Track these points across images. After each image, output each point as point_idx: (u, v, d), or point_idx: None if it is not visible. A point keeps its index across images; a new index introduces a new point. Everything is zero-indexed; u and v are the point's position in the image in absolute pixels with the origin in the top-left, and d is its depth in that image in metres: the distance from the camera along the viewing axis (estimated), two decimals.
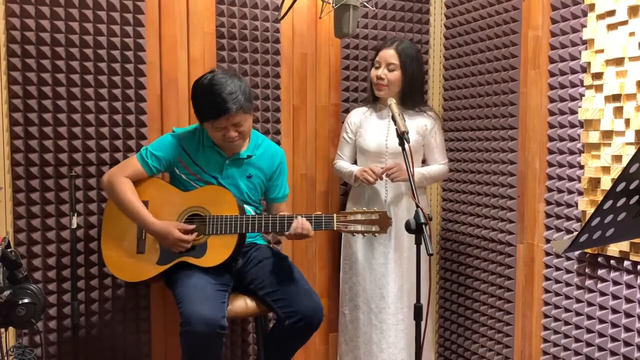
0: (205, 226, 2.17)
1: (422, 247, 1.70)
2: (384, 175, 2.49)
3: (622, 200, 1.28)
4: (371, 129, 2.61)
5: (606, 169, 2.13)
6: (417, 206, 1.72)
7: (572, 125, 2.29)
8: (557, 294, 2.38)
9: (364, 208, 2.17)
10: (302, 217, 2.13)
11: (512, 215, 2.59)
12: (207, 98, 2.10)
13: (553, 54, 2.36)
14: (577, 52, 2.25)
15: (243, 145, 2.28)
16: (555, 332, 2.39)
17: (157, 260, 2.20)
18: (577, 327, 2.29)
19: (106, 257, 2.25)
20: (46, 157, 2.33)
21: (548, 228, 2.42)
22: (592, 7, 2.17)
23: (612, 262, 2.13)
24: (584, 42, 2.21)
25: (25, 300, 1.77)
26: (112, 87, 2.42)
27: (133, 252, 2.22)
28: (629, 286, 2.07)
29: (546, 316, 2.44)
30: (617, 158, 2.09)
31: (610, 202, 1.27)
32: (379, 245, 2.57)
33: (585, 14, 2.21)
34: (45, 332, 2.38)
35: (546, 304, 2.44)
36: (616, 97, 2.09)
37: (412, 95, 2.58)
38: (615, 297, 2.12)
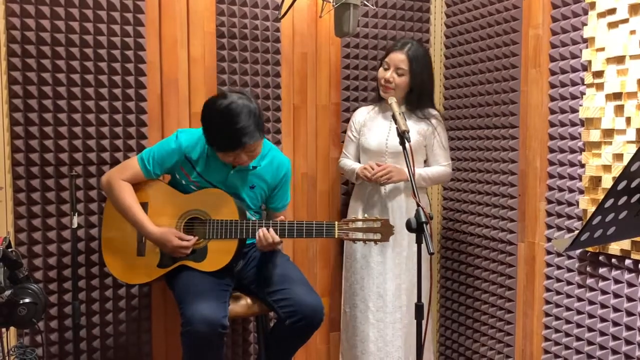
0: (205, 230, 2.16)
1: (423, 246, 1.71)
2: (375, 177, 2.48)
3: (623, 199, 1.28)
4: (374, 127, 2.61)
5: (607, 168, 2.12)
6: (418, 205, 1.71)
7: (573, 124, 2.28)
8: (558, 293, 2.37)
9: (365, 215, 2.16)
10: (267, 225, 2.11)
11: (513, 214, 2.59)
12: (221, 129, 2.04)
13: (554, 52, 2.35)
14: (577, 50, 2.24)
15: None
16: (557, 331, 2.39)
17: (157, 264, 2.20)
18: (578, 325, 2.28)
19: (106, 259, 2.25)
20: (47, 156, 2.33)
21: (549, 227, 2.42)
22: (592, 5, 2.16)
23: (613, 260, 2.13)
24: (585, 41, 2.21)
25: (27, 300, 1.77)
26: (113, 87, 2.42)
27: (133, 255, 2.22)
28: (630, 285, 2.07)
29: (547, 315, 2.44)
30: (618, 156, 2.08)
31: (611, 201, 1.27)
32: (378, 243, 2.56)
33: (586, 12, 2.21)
34: (47, 332, 2.38)
35: (547, 302, 2.43)
36: (617, 96, 2.08)
37: (420, 100, 2.56)
38: (616, 295, 2.12)
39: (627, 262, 2.07)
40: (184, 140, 2.19)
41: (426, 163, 2.66)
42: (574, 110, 2.27)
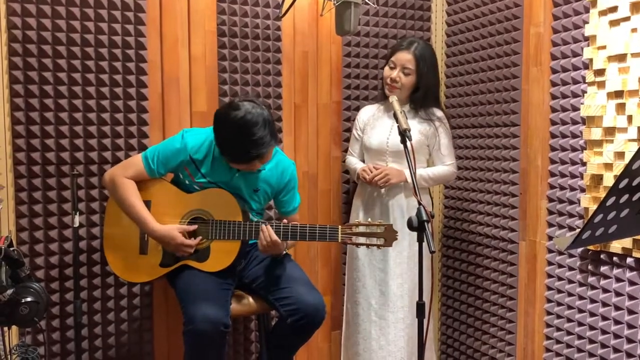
0: (208, 230, 2.16)
1: (424, 244, 1.70)
2: (372, 180, 2.48)
3: (625, 197, 1.28)
4: (377, 126, 2.61)
5: (608, 166, 2.12)
6: (419, 203, 1.71)
7: (575, 122, 2.28)
8: (559, 291, 2.37)
9: (369, 219, 2.16)
10: (268, 224, 2.10)
11: (515, 213, 2.59)
12: (236, 142, 2.01)
13: (555, 50, 2.35)
14: (579, 48, 2.24)
15: None
16: (558, 329, 2.39)
17: (159, 262, 2.20)
18: (580, 324, 2.28)
19: (108, 258, 2.25)
20: (48, 155, 2.33)
21: (550, 225, 2.42)
22: (594, 3, 2.16)
23: (614, 259, 2.13)
24: (586, 39, 2.21)
25: (28, 299, 1.77)
26: (114, 86, 2.42)
27: (135, 253, 2.22)
28: (631, 283, 2.07)
29: (549, 313, 2.44)
30: (620, 155, 2.08)
31: (612, 199, 1.26)
32: None
33: (587, 10, 2.21)
34: (48, 331, 2.38)
35: (549, 301, 2.43)
36: (618, 94, 2.08)
37: (425, 100, 2.55)
38: (618, 294, 2.12)
39: (629, 260, 2.07)
40: (190, 141, 2.17)
41: (429, 163, 2.66)
42: (576, 109, 2.27)
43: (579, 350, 2.29)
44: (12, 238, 1.88)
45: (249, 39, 2.65)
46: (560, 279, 2.37)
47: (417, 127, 2.52)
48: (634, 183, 1.25)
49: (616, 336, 2.13)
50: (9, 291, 1.74)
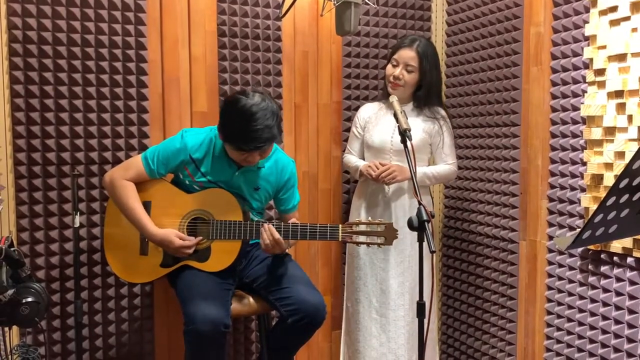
0: (208, 230, 2.16)
1: (425, 244, 1.70)
2: (379, 177, 2.48)
3: (625, 197, 1.28)
4: (379, 125, 2.60)
5: (609, 166, 2.12)
6: (420, 203, 1.71)
7: (575, 122, 2.28)
8: (560, 291, 2.37)
9: (369, 218, 2.16)
10: (269, 224, 2.10)
11: (515, 212, 2.59)
12: (242, 129, 2.00)
13: (555, 50, 2.35)
14: (579, 48, 2.24)
15: None
16: (558, 329, 2.39)
17: (160, 263, 2.20)
18: (580, 323, 2.28)
19: (109, 258, 2.25)
20: (48, 156, 2.34)
21: (551, 225, 2.42)
22: (594, 3, 2.16)
23: (615, 258, 2.13)
24: (586, 39, 2.21)
25: (29, 299, 1.78)
26: (114, 86, 2.42)
27: (136, 254, 2.22)
28: (632, 283, 2.07)
29: (549, 313, 2.44)
30: (620, 154, 2.08)
31: (613, 199, 1.26)
32: None
33: (587, 10, 2.21)
34: (49, 331, 2.38)
35: (549, 300, 2.43)
36: (619, 94, 2.08)
37: (428, 98, 2.55)
38: (618, 293, 2.12)
39: (629, 260, 2.07)
40: (190, 141, 2.18)
41: (430, 162, 2.66)
42: (576, 108, 2.27)
43: (580, 350, 2.29)
44: (12, 238, 1.88)
45: (249, 39, 2.65)
46: (560, 278, 2.37)
47: (421, 125, 2.53)
48: (634, 183, 1.25)
49: (616, 336, 2.13)
50: (10, 291, 1.75)
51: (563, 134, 2.34)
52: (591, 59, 2.17)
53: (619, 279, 2.12)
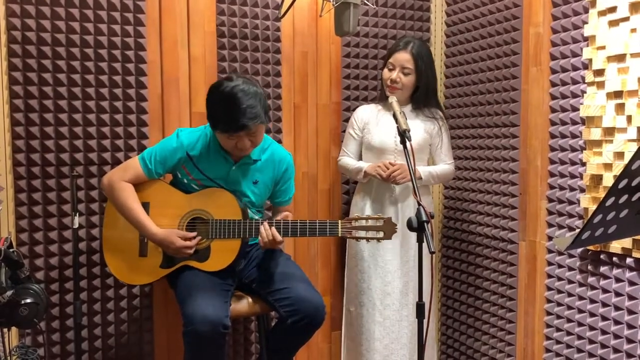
0: (208, 230, 2.16)
1: (424, 244, 1.71)
2: (391, 176, 2.48)
3: (624, 197, 1.28)
4: (381, 126, 2.61)
5: (608, 166, 2.12)
6: (419, 204, 1.72)
7: (574, 122, 2.28)
8: (559, 291, 2.37)
9: (369, 214, 2.16)
10: (269, 223, 2.11)
11: (514, 213, 2.59)
12: (226, 110, 2.02)
13: (554, 50, 2.35)
14: (578, 48, 2.24)
15: None
16: (558, 329, 2.39)
17: (160, 264, 2.20)
18: (580, 324, 2.28)
19: (108, 261, 2.24)
20: (48, 157, 2.33)
21: (550, 225, 2.42)
22: (593, 3, 2.16)
23: (614, 259, 2.13)
24: (586, 39, 2.21)
25: (28, 300, 1.77)
26: (113, 87, 2.42)
27: (135, 255, 2.22)
28: (631, 283, 2.07)
29: (548, 313, 2.44)
30: (619, 155, 2.08)
31: (612, 199, 1.26)
32: (386, 242, 2.56)
33: (586, 11, 2.21)
34: (48, 332, 2.38)
35: (548, 301, 2.43)
36: (618, 94, 2.08)
37: (426, 98, 2.58)
38: (617, 294, 2.12)
39: (628, 260, 2.07)
40: (185, 138, 2.19)
41: (428, 162, 2.67)
42: (575, 109, 2.27)
43: (579, 351, 2.29)
44: (11, 239, 1.88)
45: (248, 40, 2.65)
46: (560, 279, 2.37)
47: (421, 126, 2.55)
48: (634, 183, 1.25)
49: (616, 336, 2.13)
50: (9, 292, 1.74)
51: (562, 135, 2.34)
52: (590, 60, 2.17)
53: (618, 280, 2.12)
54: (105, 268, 2.41)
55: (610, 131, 2.11)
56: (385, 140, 2.57)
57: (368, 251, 2.59)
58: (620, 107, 2.08)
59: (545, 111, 2.41)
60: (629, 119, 2.04)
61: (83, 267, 2.42)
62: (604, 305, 2.17)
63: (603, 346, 2.18)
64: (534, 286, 2.50)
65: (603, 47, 2.12)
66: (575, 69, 2.27)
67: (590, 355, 2.23)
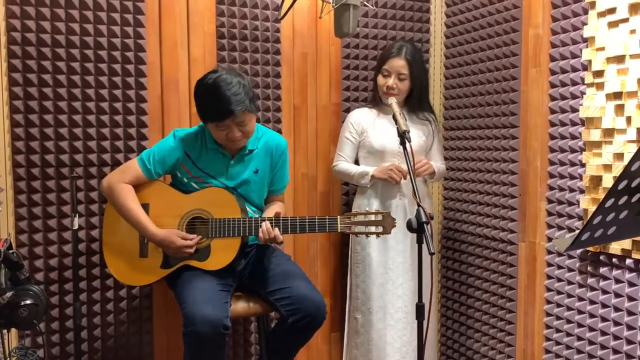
0: (207, 229, 2.17)
1: (424, 246, 1.71)
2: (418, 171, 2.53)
3: (624, 199, 1.28)
4: (380, 129, 2.61)
5: (608, 167, 2.12)
6: (419, 205, 1.72)
7: (574, 123, 2.28)
8: (559, 292, 2.37)
9: (366, 208, 2.17)
10: (266, 220, 2.12)
11: (514, 214, 2.59)
12: (211, 100, 2.07)
13: (554, 52, 2.35)
14: (578, 50, 2.24)
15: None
16: (558, 331, 2.39)
17: (160, 264, 2.20)
18: (580, 325, 2.28)
19: (108, 262, 2.24)
20: (47, 158, 2.33)
21: (550, 226, 2.42)
22: (592, 4, 2.16)
23: (614, 260, 2.13)
24: (585, 40, 2.21)
25: (28, 302, 1.77)
26: (113, 88, 2.42)
27: (136, 256, 2.22)
28: (631, 284, 2.07)
29: (548, 314, 2.44)
30: (619, 156, 2.08)
31: (612, 200, 1.26)
32: (396, 244, 2.56)
33: (586, 12, 2.21)
34: (48, 333, 2.38)
35: (548, 302, 2.43)
36: (617, 95, 2.08)
37: (420, 101, 2.63)
38: (617, 295, 2.12)
39: (628, 261, 2.07)
40: (182, 137, 2.22)
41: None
42: (575, 110, 2.27)
43: (579, 352, 2.29)
44: (11, 240, 1.88)
45: (248, 41, 2.65)
46: (559, 280, 2.37)
47: (418, 129, 2.60)
48: (633, 184, 1.25)
49: (616, 337, 2.13)
50: (8, 294, 1.74)
51: (562, 136, 2.34)
52: (590, 61, 2.18)
53: (618, 281, 2.12)
54: (106, 269, 2.41)
55: (609, 132, 2.12)
56: (386, 143, 2.58)
57: (377, 256, 2.58)
58: (619, 109, 2.08)
59: (545, 112, 2.41)
60: (629, 120, 2.04)
61: (83, 268, 2.41)
62: (604, 306, 2.17)
63: (603, 347, 2.18)
64: (533, 287, 2.50)
65: (602, 49, 2.12)
66: (574, 70, 2.27)
67: (590, 356, 2.23)
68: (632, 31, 2.02)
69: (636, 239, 2.02)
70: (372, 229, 2.11)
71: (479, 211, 2.81)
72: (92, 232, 2.43)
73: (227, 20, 2.60)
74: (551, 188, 2.40)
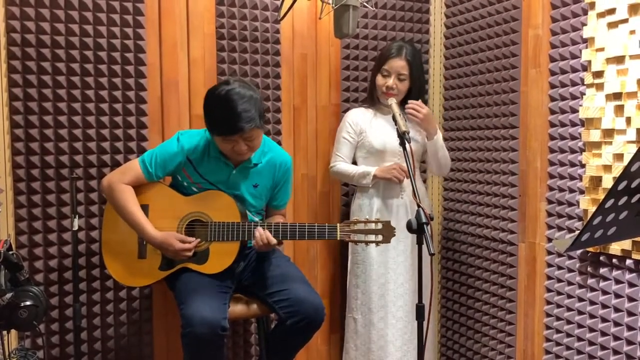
0: (206, 232, 2.16)
1: (424, 246, 1.71)
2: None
3: (624, 199, 1.28)
4: (379, 129, 2.61)
5: (607, 168, 2.12)
6: (419, 205, 1.72)
7: (573, 124, 2.28)
8: (559, 293, 2.37)
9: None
10: (263, 226, 2.12)
11: (514, 215, 2.59)
12: (221, 113, 2.03)
13: (553, 52, 2.35)
14: (577, 50, 2.24)
15: None
16: (558, 331, 2.39)
17: (159, 266, 2.20)
18: (580, 325, 2.28)
19: (107, 263, 2.24)
20: (47, 159, 2.33)
21: (549, 227, 2.42)
22: (592, 5, 2.16)
23: (614, 260, 2.13)
24: (585, 41, 2.21)
25: (27, 303, 1.77)
26: (113, 89, 2.42)
27: (134, 257, 2.21)
28: (631, 285, 2.07)
29: (548, 315, 2.43)
30: (619, 156, 2.08)
31: (611, 201, 1.26)
32: (397, 243, 2.56)
33: (585, 12, 2.21)
34: (48, 335, 2.38)
35: (548, 302, 2.43)
36: (617, 96, 2.08)
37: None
38: (617, 295, 2.12)
39: (628, 262, 2.07)
40: (186, 142, 2.19)
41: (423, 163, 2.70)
42: (574, 111, 2.27)
43: (579, 352, 2.29)
44: (11, 241, 1.88)
45: (247, 42, 2.65)
46: (559, 280, 2.37)
47: (416, 129, 2.59)
48: (633, 185, 1.25)
49: (616, 338, 2.13)
50: (8, 295, 1.74)
51: (562, 136, 2.34)
52: (589, 61, 2.18)
53: (618, 281, 2.12)
54: (105, 270, 2.41)
55: (609, 133, 2.12)
56: (386, 143, 2.58)
57: (378, 257, 2.58)
58: (619, 109, 2.08)
59: (545, 113, 2.41)
60: (628, 120, 2.04)
61: (82, 269, 2.41)
62: (604, 306, 2.17)
63: (603, 348, 2.18)
64: (533, 288, 2.50)
65: (602, 49, 2.12)
66: (574, 70, 2.27)
67: (591, 357, 2.23)
68: (632, 32, 2.02)
69: (636, 239, 2.02)
70: (372, 237, 2.11)
71: (479, 212, 2.81)
72: (92, 233, 2.43)
73: (227, 21, 2.61)
74: (551, 189, 2.40)
